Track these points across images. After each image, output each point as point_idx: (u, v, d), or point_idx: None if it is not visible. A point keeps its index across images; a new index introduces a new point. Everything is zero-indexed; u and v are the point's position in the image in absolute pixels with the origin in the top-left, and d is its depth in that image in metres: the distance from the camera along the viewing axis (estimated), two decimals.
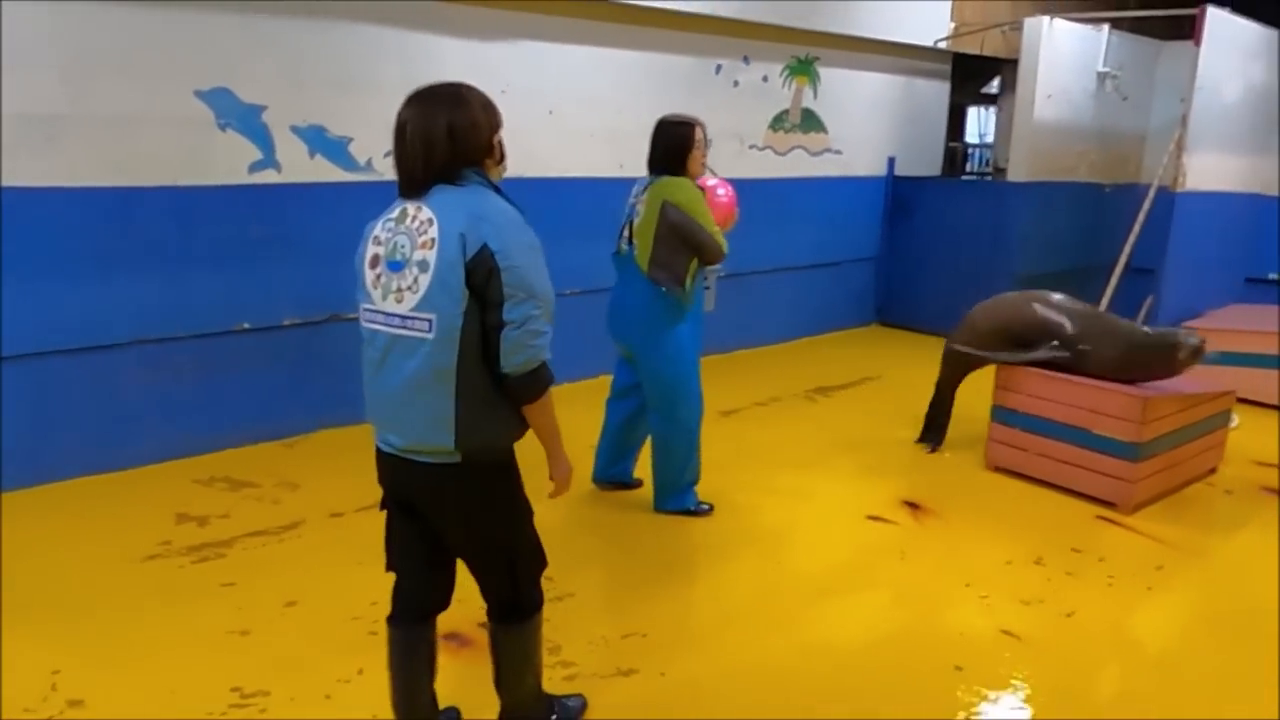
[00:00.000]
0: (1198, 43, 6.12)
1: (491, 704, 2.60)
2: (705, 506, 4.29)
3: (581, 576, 3.64)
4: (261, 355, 4.93)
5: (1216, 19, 6.17)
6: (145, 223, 4.46)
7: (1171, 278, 6.44)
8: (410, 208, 2.14)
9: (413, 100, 2.17)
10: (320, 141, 4.92)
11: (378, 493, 3.84)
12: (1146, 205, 6.57)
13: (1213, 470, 5.01)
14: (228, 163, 4.64)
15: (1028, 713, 2.88)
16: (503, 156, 2.27)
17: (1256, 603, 3.67)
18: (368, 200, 5.27)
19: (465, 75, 5.33)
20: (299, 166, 4.87)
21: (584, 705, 2.81)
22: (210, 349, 4.76)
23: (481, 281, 2.05)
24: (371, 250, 2.18)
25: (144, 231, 4.47)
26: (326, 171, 4.97)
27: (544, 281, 2.14)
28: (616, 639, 3.21)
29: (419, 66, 5.19)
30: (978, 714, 2.87)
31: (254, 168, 4.74)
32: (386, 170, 5.12)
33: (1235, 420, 5.83)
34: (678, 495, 4.23)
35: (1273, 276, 8.16)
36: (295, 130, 4.83)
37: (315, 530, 4.04)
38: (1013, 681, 3.05)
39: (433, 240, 2.06)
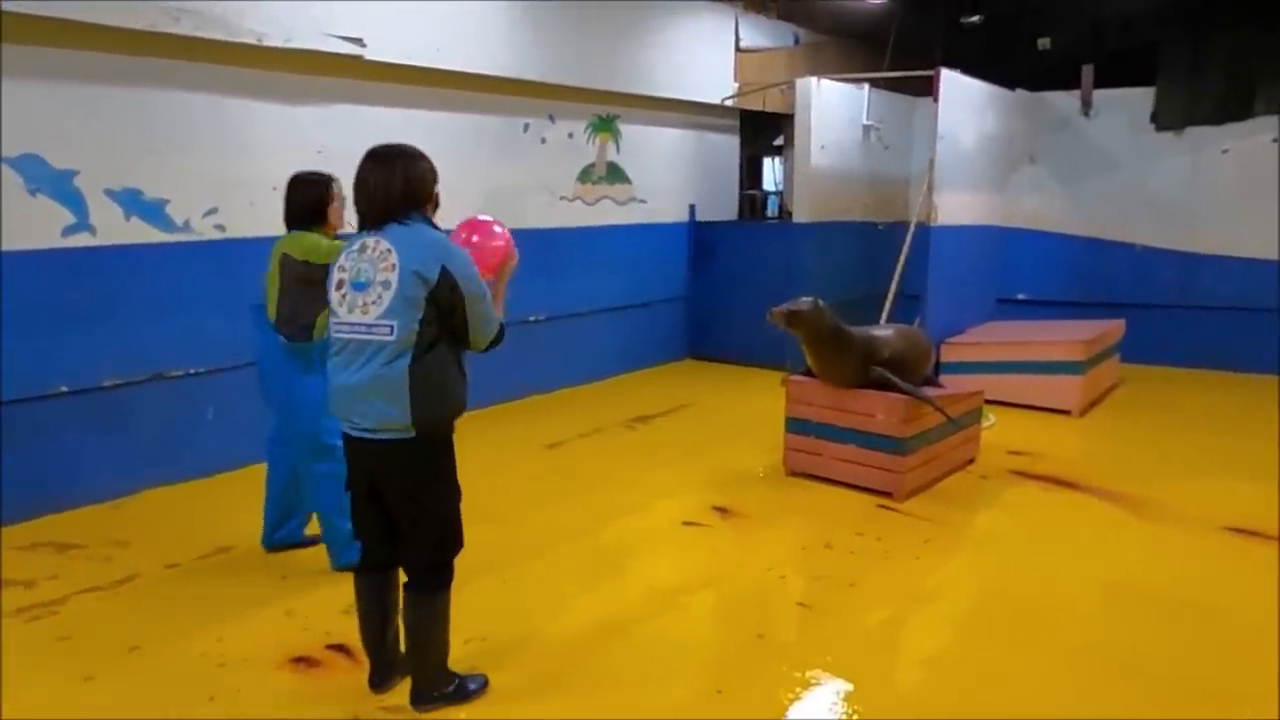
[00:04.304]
0: (936, 99, 7.14)
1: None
2: None
3: None
4: (81, 418, 4.90)
5: (949, 79, 7.22)
6: None
7: (934, 301, 7.38)
8: (370, 240, 2.76)
9: (374, 156, 2.81)
10: (136, 204, 5.00)
11: (213, 543, 4.05)
12: (909, 239, 7.53)
13: (971, 460, 5.83)
14: (40, 227, 4.66)
15: (814, 663, 3.39)
16: (438, 204, 2.92)
17: (1001, 559, 4.40)
18: (187, 260, 5.44)
19: (280, 137, 5.65)
20: (115, 229, 4.93)
21: (485, 683, 3.16)
22: (26, 414, 4.70)
23: (446, 293, 2.69)
24: (337, 276, 2.80)
25: None
26: (143, 233, 5.05)
27: (481, 282, 2.79)
28: (458, 643, 3.49)
29: (234, 129, 5.38)
30: (776, 669, 3.35)
31: (68, 231, 4.77)
32: (205, 230, 5.31)
33: (992, 419, 6.78)
34: (346, 548, 3.85)
35: (1021, 297, 9.44)
36: (109, 193, 4.90)
37: (152, 582, 4.09)
38: (803, 641, 3.56)
39: (394, 265, 2.66)
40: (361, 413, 2.76)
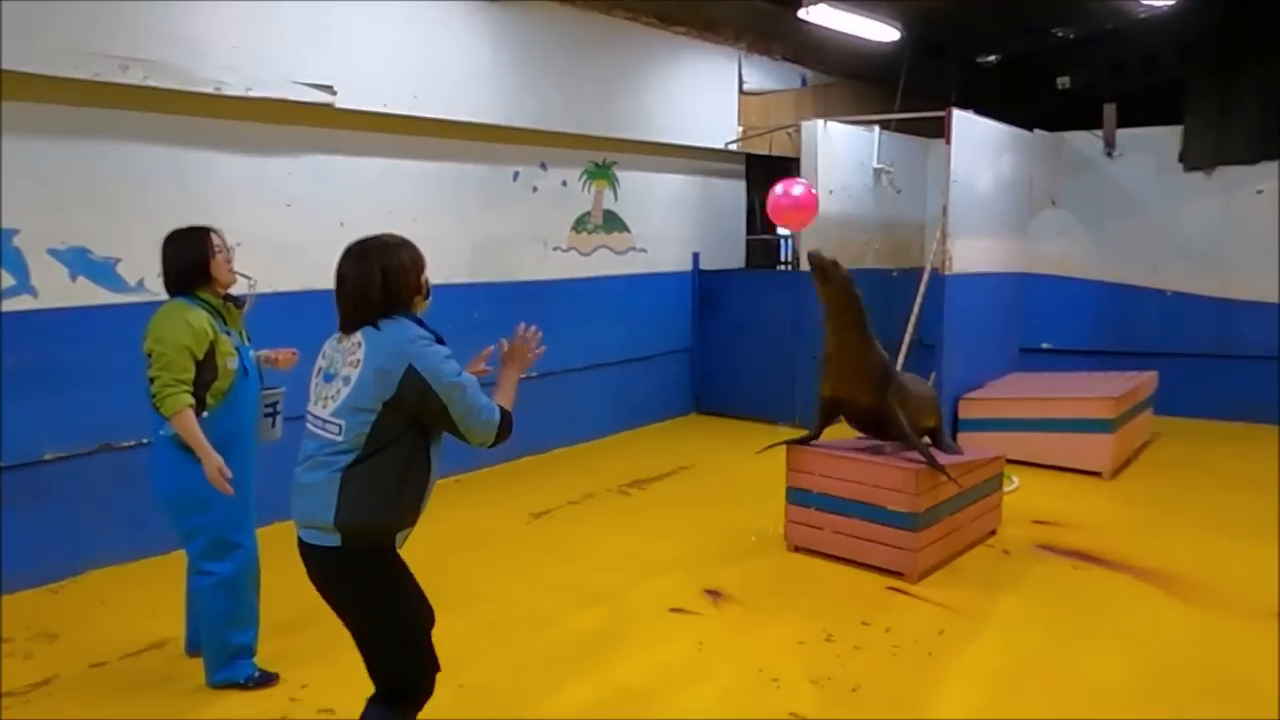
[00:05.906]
0: (948, 141, 6.75)
1: None
2: (265, 675, 3.61)
3: None
4: (19, 494, 4.52)
5: (962, 120, 6.83)
6: None
7: (950, 352, 6.92)
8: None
9: (349, 254, 2.57)
10: (83, 263, 4.68)
11: (148, 636, 3.58)
12: (922, 288, 7.11)
13: (992, 532, 5.32)
14: None
15: None
16: (429, 293, 2.67)
17: (1023, 657, 3.89)
18: (140, 321, 5.01)
19: (246, 190, 5.33)
20: (59, 291, 4.60)
21: None
22: None
23: (415, 397, 2.44)
24: (319, 363, 2.63)
25: None
26: (91, 294, 4.71)
27: (460, 375, 2.50)
28: None
29: (195, 182, 5.07)
30: None
31: (7, 294, 4.44)
32: (160, 290, 4.92)
33: (1015, 482, 6.28)
34: (227, 665, 3.55)
35: (1045, 346, 8.95)
36: (54, 253, 4.58)
37: (71, 686, 3.67)
38: None
39: (358, 361, 2.47)
40: (299, 509, 2.56)
